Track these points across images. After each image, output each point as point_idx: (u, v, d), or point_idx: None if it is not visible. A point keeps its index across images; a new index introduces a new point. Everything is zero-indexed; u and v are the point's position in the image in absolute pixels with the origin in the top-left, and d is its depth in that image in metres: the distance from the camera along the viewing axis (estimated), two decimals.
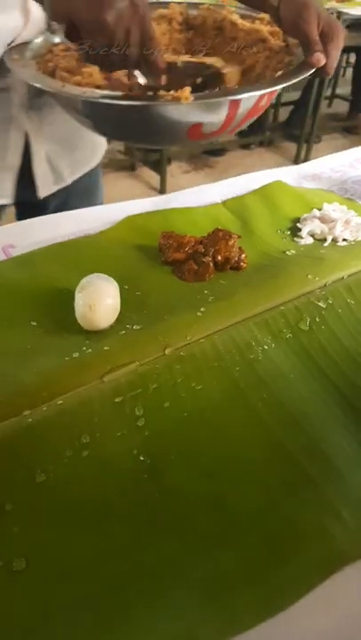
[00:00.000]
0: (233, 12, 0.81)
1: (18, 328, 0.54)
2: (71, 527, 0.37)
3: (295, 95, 3.16)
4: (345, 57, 3.74)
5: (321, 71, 0.67)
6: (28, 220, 0.71)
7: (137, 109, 0.57)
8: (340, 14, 2.45)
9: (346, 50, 3.24)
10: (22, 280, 0.59)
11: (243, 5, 0.84)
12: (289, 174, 0.86)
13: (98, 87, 0.60)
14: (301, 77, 0.64)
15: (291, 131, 3.18)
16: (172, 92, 0.54)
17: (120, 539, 0.36)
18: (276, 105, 3.29)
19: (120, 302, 0.54)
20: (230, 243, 0.63)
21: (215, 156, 3.02)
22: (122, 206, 0.74)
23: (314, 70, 0.66)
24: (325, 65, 0.67)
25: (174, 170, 2.87)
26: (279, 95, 3.11)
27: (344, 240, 0.68)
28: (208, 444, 0.42)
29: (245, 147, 3.17)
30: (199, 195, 0.78)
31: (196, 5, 0.85)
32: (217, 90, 0.69)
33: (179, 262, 0.63)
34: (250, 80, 0.74)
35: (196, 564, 0.34)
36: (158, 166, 2.56)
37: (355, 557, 0.34)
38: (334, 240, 0.68)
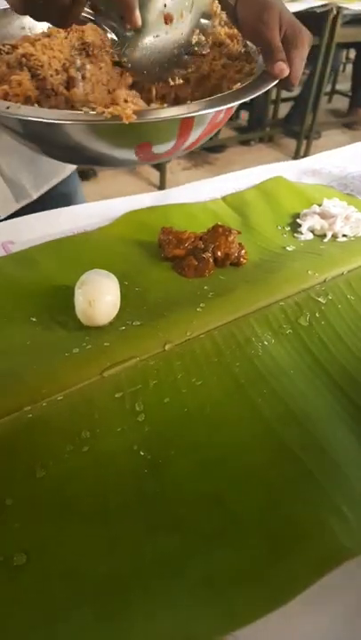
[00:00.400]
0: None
1: (18, 324, 0.54)
2: (71, 522, 0.37)
3: (295, 91, 3.15)
4: (345, 52, 3.72)
5: (285, 82, 0.59)
6: (27, 217, 0.71)
7: (67, 128, 0.50)
8: (339, 9, 2.44)
9: (346, 45, 3.23)
10: (22, 276, 0.59)
11: None
12: (289, 169, 0.86)
13: (28, 98, 0.53)
14: (263, 90, 0.57)
15: (290, 127, 3.17)
16: (110, 110, 0.48)
17: (120, 534, 0.36)
18: (276, 101, 3.29)
19: (120, 298, 0.54)
20: (230, 238, 0.63)
21: (215, 152, 3.02)
22: (121, 202, 0.74)
23: (277, 81, 0.59)
24: (289, 75, 0.59)
25: (174, 166, 2.86)
26: (279, 91, 3.11)
27: (344, 236, 0.68)
28: (208, 439, 0.42)
29: (245, 143, 3.17)
30: (199, 190, 0.78)
31: None
32: (165, 106, 0.60)
33: (179, 258, 0.63)
34: (205, 91, 0.66)
35: (197, 559, 0.34)
36: (158, 163, 2.56)
37: (355, 553, 0.34)
38: (334, 236, 0.68)
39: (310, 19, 2.45)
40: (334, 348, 0.51)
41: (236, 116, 3.14)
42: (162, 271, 0.62)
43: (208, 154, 3.00)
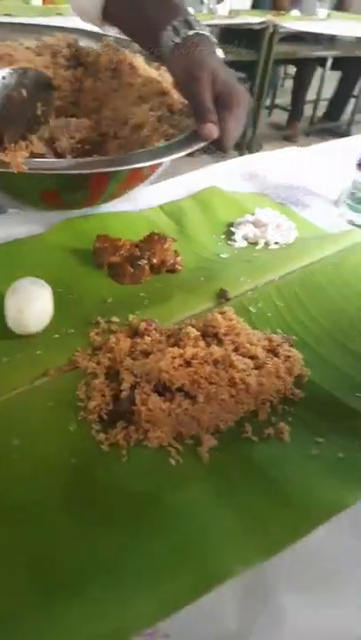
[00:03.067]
0: (138, 54, 0.70)
1: None
2: (3, 530, 0.36)
3: None
4: (283, 68, 3.86)
5: (218, 144, 0.56)
6: None
7: None
8: (276, 27, 2.54)
9: (284, 62, 3.35)
10: None
11: None
12: (226, 172, 0.88)
13: None
14: (186, 152, 0.54)
15: None
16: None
17: (55, 539, 0.35)
18: None
19: (53, 306, 0.53)
20: (165, 246, 0.63)
21: None
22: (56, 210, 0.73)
23: (207, 143, 0.56)
24: (220, 139, 0.55)
25: None
26: None
27: (276, 243, 0.70)
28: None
29: (189, 154, 3.21)
30: (136, 198, 0.78)
31: (98, 37, 0.74)
32: (73, 159, 0.58)
33: (115, 265, 0.63)
34: (135, 142, 0.65)
35: (130, 556, 0.34)
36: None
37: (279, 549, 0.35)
38: (266, 243, 0.70)
39: (249, 35, 2.54)
40: None
41: None
42: (97, 278, 0.62)
43: None
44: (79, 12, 0.73)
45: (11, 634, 0.30)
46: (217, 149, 0.57)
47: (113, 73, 0.70)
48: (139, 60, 0.69)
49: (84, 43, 0.74)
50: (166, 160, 0.53)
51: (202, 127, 0.54)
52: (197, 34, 0.58)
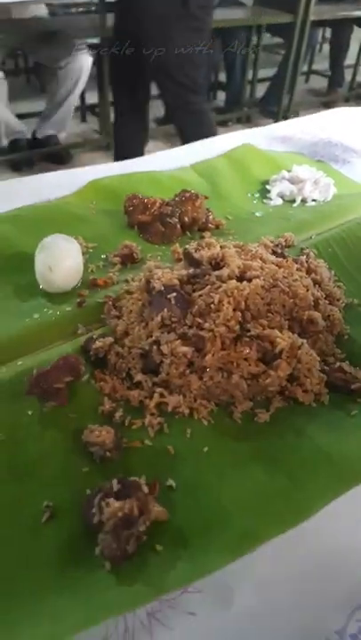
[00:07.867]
0: None
1: None
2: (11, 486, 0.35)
3: (271, 71, 3.12)
4: (321, 32, 3.70)
5: None
6: None
7: None
8: None
9: (321, 23, 3.20)
10: None
11: None
12: (260, 136, 0.84)
13: None
14: None
15: (268, 107, 3.15)
16: None
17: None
18: (253, 81, 3.25)
19: (83, 263, 0.52)
20: (197, 204, 0.61)
21: None
22: (88, 171, 0.72)
23: None
24: None
25: (151, 148, 2.82)
26: (255, 71, 3.07)
27: (313, 200, 0.67)
28: None
29: (223, 124, 3.13)
30: (169, 158, 0.76)
31: None
32: None
33: (145, 224, 0.61)
34: None
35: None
36: None
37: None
38: (303, 200, 0.67)
39: None
40: None
41: (213, 96, 3.11)
42: (128, 238, 0.60)
43: None
44: None
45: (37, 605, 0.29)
46: None
47: None
48: None
49: None
50: None
51: None
52: None
